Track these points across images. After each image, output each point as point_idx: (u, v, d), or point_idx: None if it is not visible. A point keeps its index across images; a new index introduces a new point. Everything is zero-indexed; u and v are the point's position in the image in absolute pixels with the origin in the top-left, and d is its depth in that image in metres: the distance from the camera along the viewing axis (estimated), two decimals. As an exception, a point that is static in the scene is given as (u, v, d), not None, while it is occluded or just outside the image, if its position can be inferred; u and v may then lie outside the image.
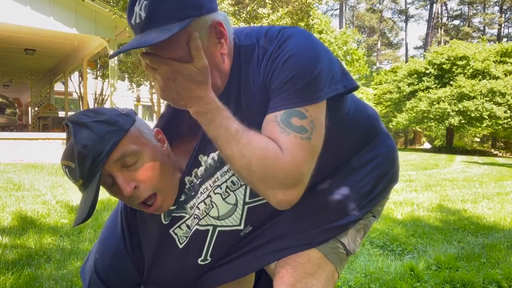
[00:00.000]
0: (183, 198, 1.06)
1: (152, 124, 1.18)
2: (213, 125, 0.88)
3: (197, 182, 1.04)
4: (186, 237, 1.08)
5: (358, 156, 1.13)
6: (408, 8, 47.80)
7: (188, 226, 1.07)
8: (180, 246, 1.09)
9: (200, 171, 1.04)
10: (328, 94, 0.93)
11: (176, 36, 0.85)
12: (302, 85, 0.88)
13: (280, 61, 0.90)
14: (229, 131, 0.87)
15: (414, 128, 25.86)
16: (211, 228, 1.07)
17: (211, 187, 1.03)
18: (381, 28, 47.35)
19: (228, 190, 1.03)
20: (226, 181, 1.03)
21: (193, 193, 1.05)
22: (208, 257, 1.10)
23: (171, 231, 1.08)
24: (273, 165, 0.85)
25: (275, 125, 0.87)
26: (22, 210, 3.74)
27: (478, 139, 27.93)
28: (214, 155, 1.02)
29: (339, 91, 0.96)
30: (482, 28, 45.30)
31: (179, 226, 1.08)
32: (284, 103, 0.88)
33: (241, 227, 1.07)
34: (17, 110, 11.92)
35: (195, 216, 1.06)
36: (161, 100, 15.37)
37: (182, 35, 0.87)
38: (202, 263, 1.10)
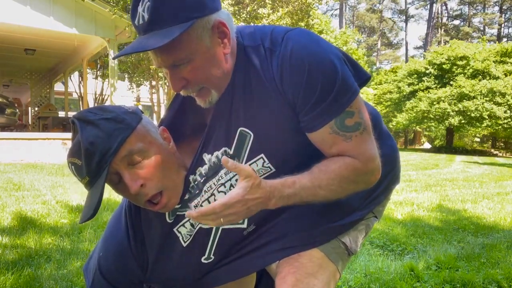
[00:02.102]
0: (187, 196, 1.06)
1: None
2: (292, 198, 0.94)
3: (201, 181, 1.04)
4: (190, 235, 1.08)
5: None
6: (408, 8, 47.84)
7: (192, 225, 1.08)
8: (184, 245, 1.09)
9: (204, 169, 1.04)
10: (357, 81, 0.96)
11: (179, 38, 0.85)
12: (336, 90, 0.91)
13: (299, 72, 0.91)
14: (307, 187, 0.93)
15: (414, 128, 25.84)
16: (214, 226, 1.07)
17: (215, 185, 1.04)
18: (381, 28, 47.34)
19: (232, 188, 1.04)
20: (230, 180, 1.04)
21: (197, 191, 1.05)
22: (212, 256, 1.10)
23: (175, 229, 1.08)
24: (357, 177, 0.96)
25: (335, 136, 0.94)
26: (22, 210, 3.74)
27: (478, 139, 27.91)
28: (218, 153, 1.03)
29: (366, 75, 1.00)
30: (482, 28, 45.32)
31: (183, 225, 1.08)
32: (331, 112, 0.92)
33: (244, 225, 1.08)
34: (17, 110, 11.90)
35: None
36: (161, 100, 15.38)
37: (185, 37, 0.87)
38: (205, 261, 1.10)
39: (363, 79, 1.01)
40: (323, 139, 0.95)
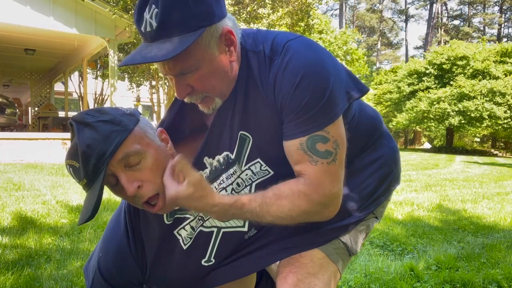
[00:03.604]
0: None
1: (153, 124, 1.18)
2: (239, 216, 0.95)
3: None
4: (190, 238, 1.08)
5: (361, 157, 1.13)
6: (408, 8, 47.77)
7: (192, 228, 1.07)
8: (184, 247, 1.09)
9: (205, 173, 1.04)
10: (344, 107, 0.94)
11: (187, 47, 0.84)
12: (318, 107, 0.89)
13: (290, 82, 0.90)
14: (255, 212, 0.93)
15: (414, 128, 25.85)
16: (215, 230, 1.07)
17: (216, 189, 1.04)
18: (381, 28, 47.31)
19: (233, 192, 1.04)
20: (231, 184, 1.04)
21: None
22: (212, 259, 1.10)
23: (175, 232, 1.08)
24: (309, 208, 0.93)
25: (302, 153, 0.92)
26: (22, 210, 3.74)
27: (478, 139, 27.90)
28: (220, 157, 1.02)
29: (353, 98, 0.97)
30: (482, 28, 45.29)
31: (183, 227, 1.08)
32: (305, 128, 0.91)
33: (245, 229, 1.08)
34: (17, 110, 11.91)
35: (200, 218, 1.06)
36: (161, 100, 15.37)
37: (194, 45, 0.86)
38: (206, 264, 1.10)
39: (362, 91, 0.99)
40: (290, 151, 0.94)
